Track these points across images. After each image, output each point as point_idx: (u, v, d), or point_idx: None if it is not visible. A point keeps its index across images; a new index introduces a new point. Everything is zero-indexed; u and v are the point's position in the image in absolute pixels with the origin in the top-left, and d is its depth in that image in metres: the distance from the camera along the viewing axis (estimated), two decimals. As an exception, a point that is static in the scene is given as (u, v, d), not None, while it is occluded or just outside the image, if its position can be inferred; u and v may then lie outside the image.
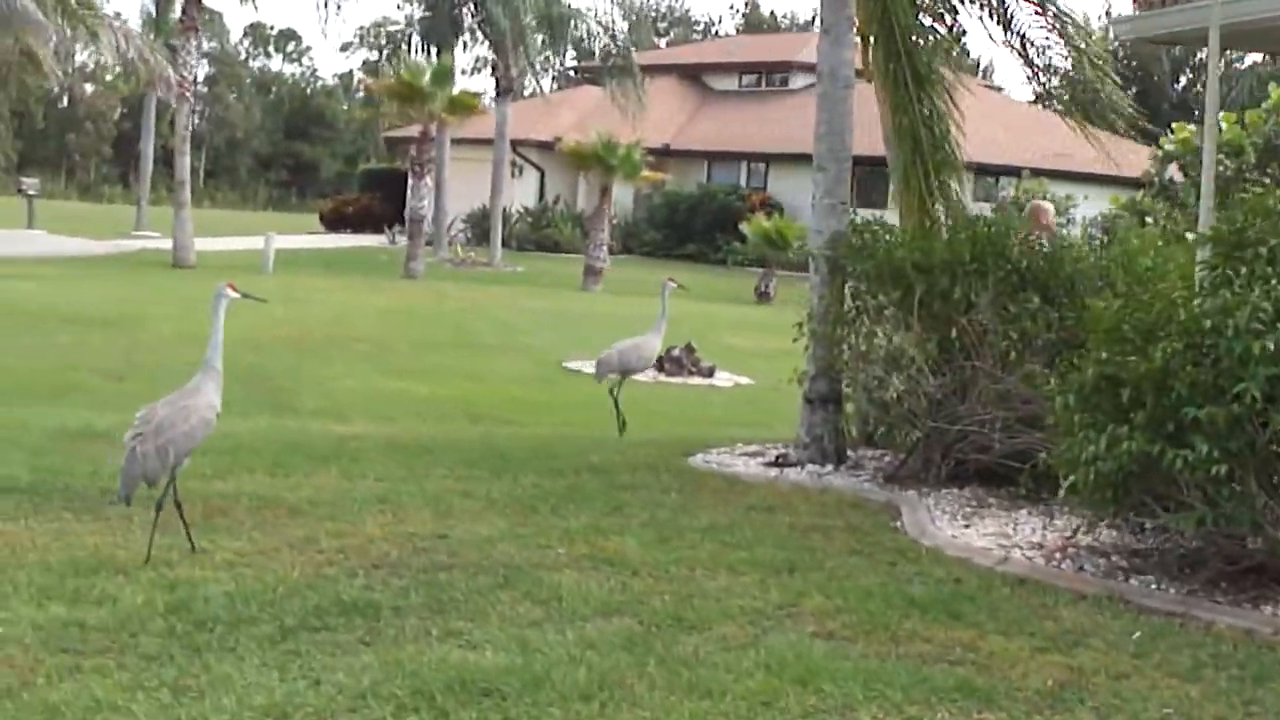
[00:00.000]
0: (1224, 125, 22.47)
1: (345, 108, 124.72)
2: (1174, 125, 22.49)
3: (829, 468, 13.75)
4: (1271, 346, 9.16)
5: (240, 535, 10.29)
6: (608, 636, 8.14)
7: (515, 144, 53.82)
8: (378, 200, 66.39)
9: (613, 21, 55.08)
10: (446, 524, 10.85)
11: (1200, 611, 9.27)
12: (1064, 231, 50.73)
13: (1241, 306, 9.34)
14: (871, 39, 14.80)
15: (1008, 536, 11.25)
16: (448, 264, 49.78)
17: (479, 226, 58.46)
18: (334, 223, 66.23)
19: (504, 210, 53.71)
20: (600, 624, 8.42)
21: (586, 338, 30.60)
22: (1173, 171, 21.99)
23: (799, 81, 64.52)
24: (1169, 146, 22.08)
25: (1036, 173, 51.02)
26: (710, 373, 26.67)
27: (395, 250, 54.02)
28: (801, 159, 56.85)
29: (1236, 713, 7.45)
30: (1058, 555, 10.63)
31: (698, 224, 57.18)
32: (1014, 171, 51.59)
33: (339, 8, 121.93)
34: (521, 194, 59.06)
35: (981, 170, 52.31)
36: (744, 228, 47.31)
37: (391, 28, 77.55)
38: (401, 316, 31.86)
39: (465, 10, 54.02)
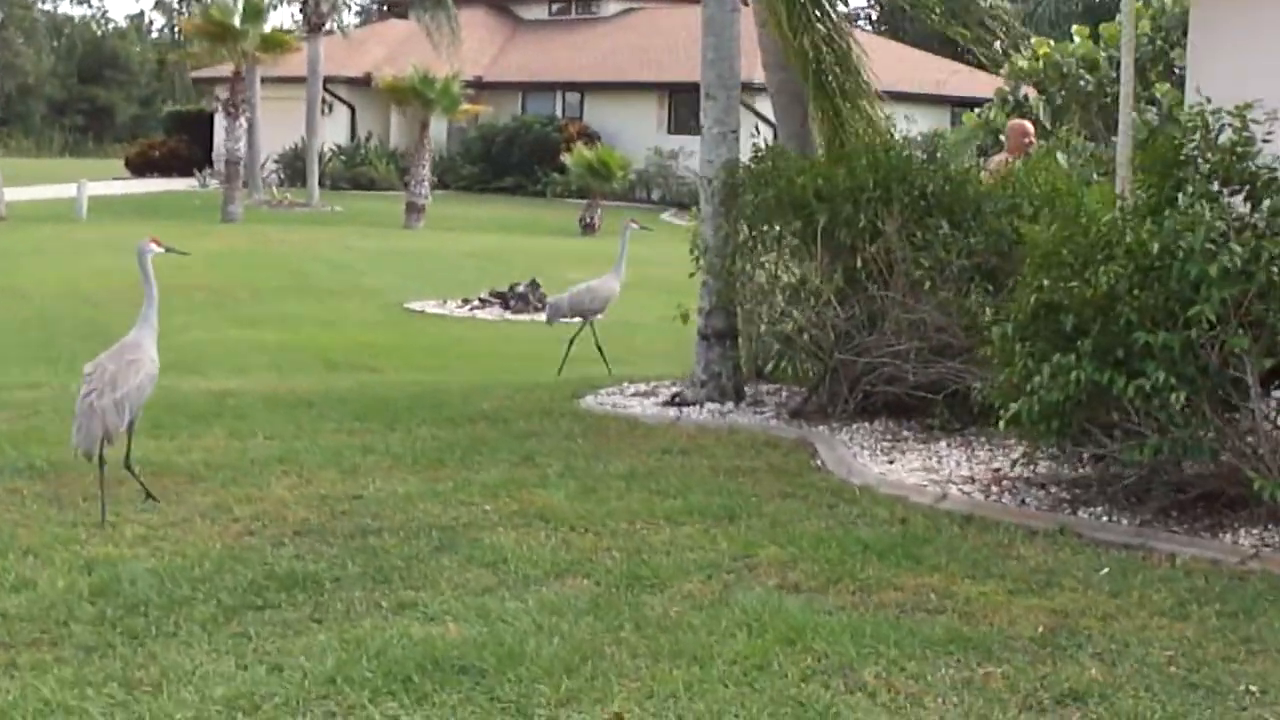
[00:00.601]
0: (1077, 39, 22.35)
1: (139, 49, 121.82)
2: (1034, 40, 22.28)
3: (729, 405, 13.33)
4: (1228, 266, 8.87)
5: (140, 504, 9.66)
6: (569, 600, 7.68)
7: (325, 81, 52.61)
8: (184, 143, 64.79)
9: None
10: (357, 483, 10.29)
11: (1158, 543, 9.01)
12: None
13: (1195, 227, 9.04)
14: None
15: (934, 471, 10.92)
16: (264, 206, 48.59)
17: (291, 167, 57.25)
18: (140, 167, 64.48)
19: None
20: (556, 587, 7.95)
21: (424, 277, 30.06)
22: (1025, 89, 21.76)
23: (610, 8, 64.05)
24: (1023, 63, 21.86)
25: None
26: (542, 305, 26.05)
27: (208, 193, 52.74)
28: (617, 87, 57.08)
29: (1238, 650, 7.17)
30: (994, 488, 10.32)
31: (514, 156, 56.44)
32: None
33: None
34: (333, 132, 57.88)
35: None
36: (565, 159, 46.63)
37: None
38: (233, 261, 30.88)
39: (272, -56, 52.69)
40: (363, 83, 57.85)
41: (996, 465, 11.03)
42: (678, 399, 13.54)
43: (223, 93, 50.88)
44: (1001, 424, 9.94)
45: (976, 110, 23.22)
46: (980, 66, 22.54)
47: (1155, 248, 9.18)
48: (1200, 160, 9.71)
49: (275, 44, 44.34)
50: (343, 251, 35.01)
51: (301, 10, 53.99)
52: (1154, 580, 8.24)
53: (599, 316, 17.62)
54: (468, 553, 8.51)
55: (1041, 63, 21.38)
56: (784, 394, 13.83)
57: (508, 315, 25.37)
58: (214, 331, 21.69)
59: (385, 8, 76.60)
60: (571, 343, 16.56)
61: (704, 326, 13.58)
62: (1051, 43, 21.93)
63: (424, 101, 44.85)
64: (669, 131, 55.23)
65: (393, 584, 7.94)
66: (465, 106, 46.56)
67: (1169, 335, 9.03)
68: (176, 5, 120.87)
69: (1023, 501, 10.00)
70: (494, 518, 9.36)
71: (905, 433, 12.15)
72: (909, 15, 18.50)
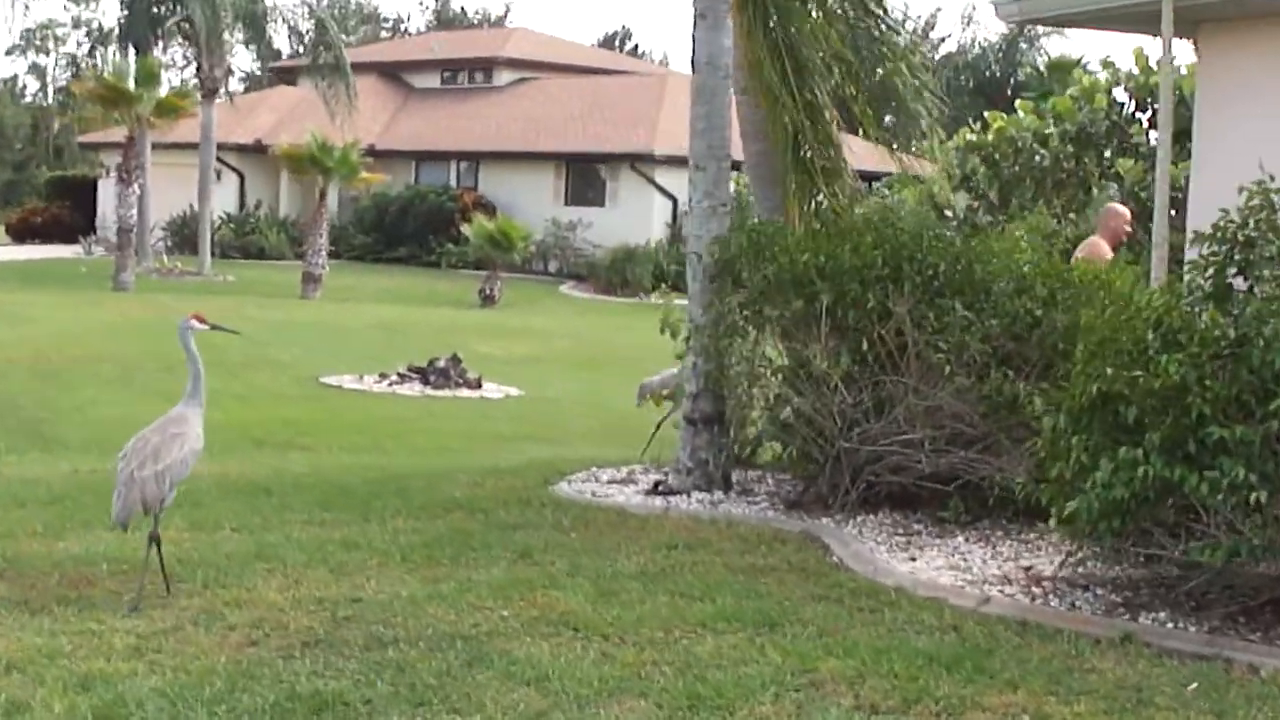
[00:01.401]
0: (1021, 113, 21.90)
1: (12, 112, 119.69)
2: (987, 115, 21.80)
3: (718, 495, 12.59)
4: (1312, 357, 8.27)
5: (120, 608, 8.78)
6: (636, 727, 6.91)
7: (216, 147, 51.51)
8: (67, 209, 63.32)
9: (320, 18, 52.87)
10: (351, 584, 9.45)
11: (1234, 653, 8.35)
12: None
13: (1277, 314, 8.42)
14: (745, 23, 13.50)
15: (962, 569, 10.24)
16: (154, 274, 47.31)
17: (179, 235, 56.00)
18: (21, 233, 62.89)
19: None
20: (614, 709, 7.17)
21: (332, 349, 29.22)
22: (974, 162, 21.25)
23: (503, 78, 63.35)
24: (971, 137, 21.39)
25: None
26: (478, 384, 25.30)
27: (94, 261, 51.43)
28: (512, 156, 56.35)
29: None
30: (1034, 589, 9.64)
31: (409, 226, 55.44)
32: (735, 165, 50.80)
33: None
34: (221, 200, 56.66)
35: (736, 165, 51.63)
36: (465, 229, 45.82)
37: (60, 29, 74.36)
38: (132, 332, 29.78)
39: (164, 8, 51.51)
40: (252, 149, 56.81)
41: (1026, 563, 10.37)
42: (662, 488, 12.78)
43: (111, 158, 49.66)
44: (1053, 522, 9.31)
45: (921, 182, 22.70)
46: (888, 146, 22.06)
47: (1232, 334, 8.57)
48: (1264, 240, 9.11)
49: (171, 108, 43.09)
50: (243, 323, 33.54)
51: (196, 75, 52.94)
52: (1252, 698, 7.58)
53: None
54: (503, 668, 7.70)
55: (992, 135, 20.89)
56: (771, 480, 13.13)
57: (429, 391, 24.55)
58: (128, 407, 20.68)
59: (274, 75, 75.48)
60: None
61: (691, 411, 12.83)
62: (1004, 116, 21.45)
63: (322, 170, 43.86)
64: (565, 203, 54.57)
65: (432, 707, 7.13)
66: (364, 175, 45.61)
67: (1246, 430, 8.40)
68: (52, 69, 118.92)
69: (1073, 605, 9.32)
70: (515, 625, 8.56)
71: (916, 526, 11.46)
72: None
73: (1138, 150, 19.65)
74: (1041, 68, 55.22)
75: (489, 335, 33.54)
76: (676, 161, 51.24)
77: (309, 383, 24.77)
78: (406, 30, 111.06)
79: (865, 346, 11.55)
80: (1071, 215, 19.27)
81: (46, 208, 64.99)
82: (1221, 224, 9.30)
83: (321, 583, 9.45)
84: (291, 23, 53.63)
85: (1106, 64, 21.17)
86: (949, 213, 20.74)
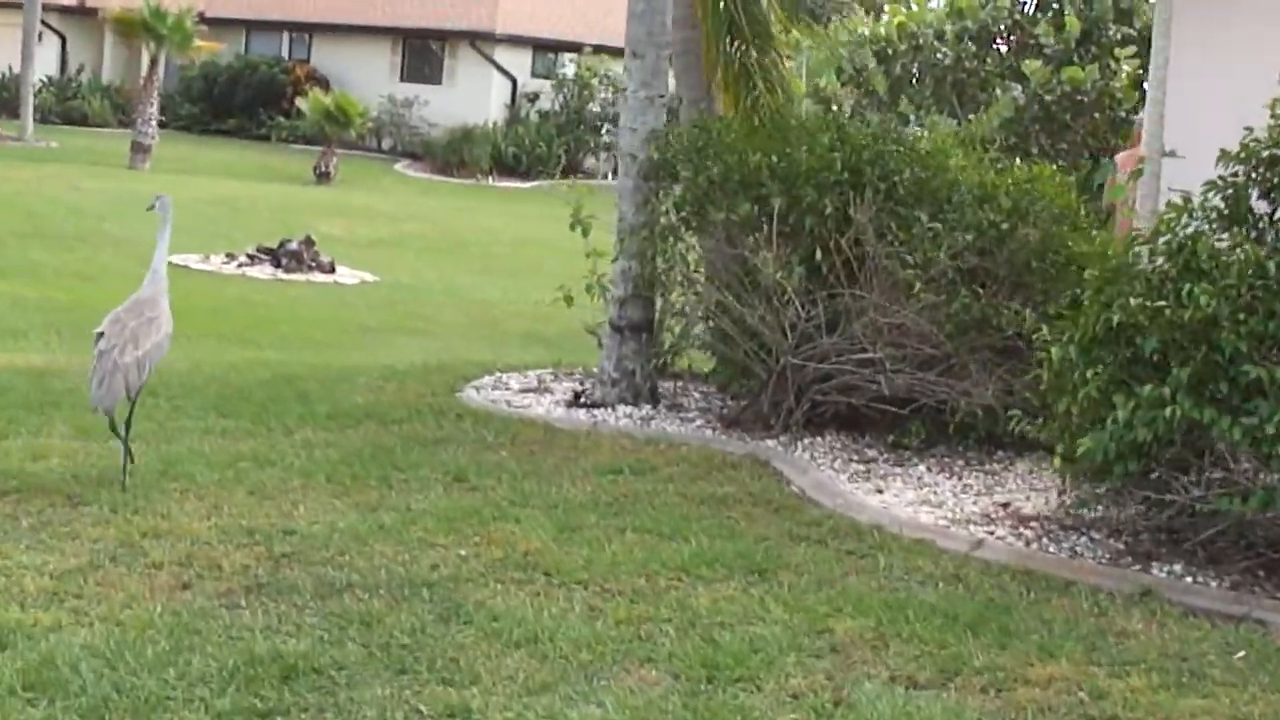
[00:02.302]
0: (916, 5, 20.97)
1: None
2: (888, 6, 20.86)
3: (646, 408, 11.66)
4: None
5: (21, 537, 7.71)
6: (655, 704, 6.01)
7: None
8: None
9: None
10: (279, 511, 8.43)
11: (1265, 613, 7.68)
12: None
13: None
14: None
15: (934, 504, 9.45)
16: (-29, 138, 45.19)
17: (-2, 98, 53.59)
18: None
19: (27, 80, 49.11)
20: (628, 681, 6.26)
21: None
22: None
23: (340, -55, 61.25)
24: (864, 30, 20.43)
25: (599, 49, 49.32)
26: (331, 268, 24.07)
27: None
28: (347, 29, 54.48)
29: None
30: (1024, 530, 8.87)
31: (238, 97, 53.37)
32: (574, 47, 49.82)
33: None
34: (42, 63, 54.27)
35: (539, 46, 50.63)
36: (301, 103, 44.25)
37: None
38: (-50, 196, 28.23)
39: None
40: (76, 11, 54.49)
41: (1000, 498, 9.60)
42: (583, 399, 11.83)
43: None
44: (1057, 461, 8.52)
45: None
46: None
47: (1272, 269, 7.80)
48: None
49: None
50: (73, 193, 32.40)
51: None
52: (1311, 669, 6.87)
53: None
54: (484, 624, 6.76)
55: (884, 29, 19.91)
56: (697, 394, 12.25)
57: (281, 274, 23.35)
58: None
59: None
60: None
61: (618, 317, 11.84)
62: (904, 8, 20.50)
63: (155, 36, 41.86)
64: (402, 79, 52.88)
65: (418, 675, 6.17)
66: (198, 44, 43.74)
67: (1288, 370, 7.66)
68: None
69: (1074, 551, 8.56)
70: (478, 568, 7.61)
71: (869, 452, 10.64)
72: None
73: (1041, 50, 18.81)
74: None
75: (331, 214, 32.27)
76: (517, 41, 50.18)
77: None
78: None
79: (819, 256, 10.66)
80: (970, 117, 18.41)
81: None
82: (1248, 142, 8.51)
83: (244, 509, 8.41)
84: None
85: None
86: (834, 107, 19.75)
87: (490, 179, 46.61)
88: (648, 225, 11.58)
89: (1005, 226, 10.57)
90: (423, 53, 53.66)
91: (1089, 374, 8.21)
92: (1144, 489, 8.38)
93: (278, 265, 23.74)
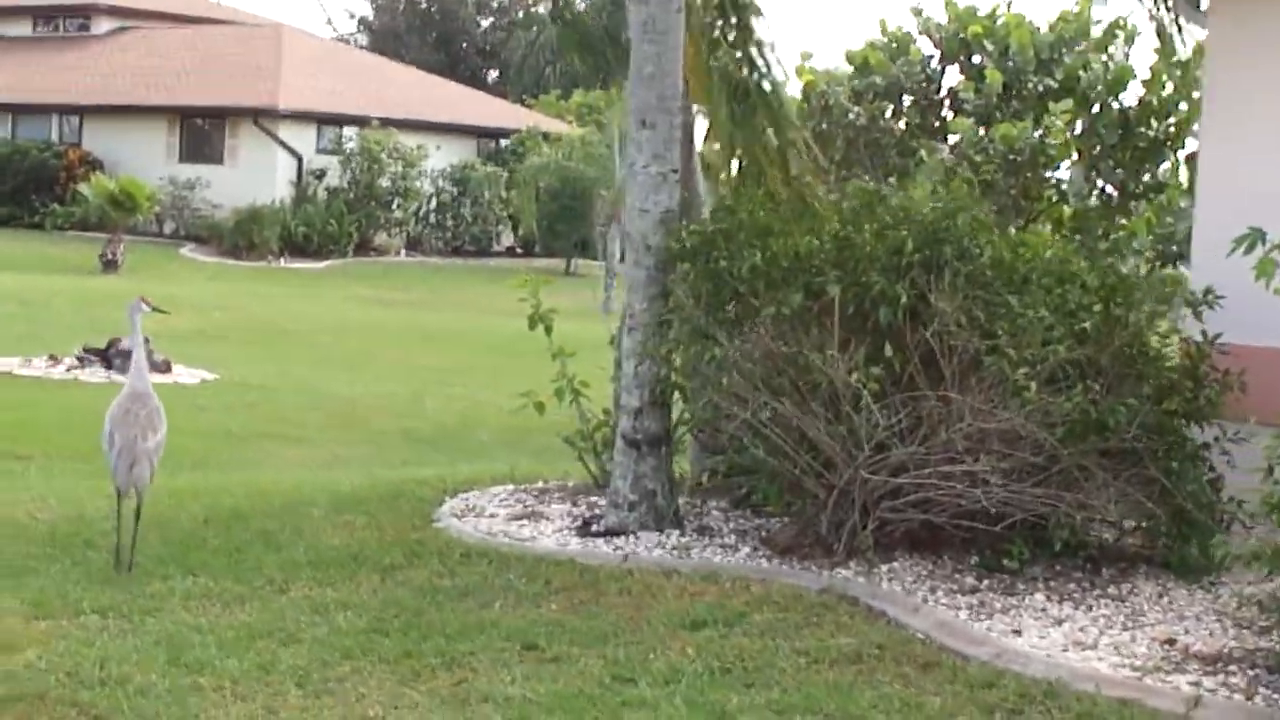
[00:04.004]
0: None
1: None
2: (799, 70, 19.49)
3: (673, 535, 10.01)
4: None
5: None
6: None
7: None
8: None
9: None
10: (354, 714, 6.68)
11: None
12: (416, 185, 47.75)
13: None
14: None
15: (1084, 643, 7.97)
16: None
17: None
18: None
19: None
20: None
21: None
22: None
23: (102, 26, 58.71)
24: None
25: (386, 122, 47.82)
26: (167, 367, 22.05)
27: None
28: (119, 110, 51.97)
29: None
30: (1228, 678, 7.44)
31: (8, 184, 50.53)
32: (361, 121, 48.16)
33: None
34: None
35: (324, 121, 48.91)
36: (84, 188, 42.05)
37: None
38: None
39: None
40: None
41: (1157, 634, 8.14)
42: (596, 526, 10.16)
43: None
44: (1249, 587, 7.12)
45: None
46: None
47: None
48: None
49: None
50: None
51: None
52: None
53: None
54: None
55: (803, 94, 18.60)
56: (717, 512, 10.64)
57: (115, 376, 21.21)
58: None
59: None
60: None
61: (631, 430, 10.15)
62: (813, 68, 19.16)
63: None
64: (180, 160, 50.58)
65: None
66: (-32, 128, 41.24)
67: None
68: None
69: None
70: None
71: (964, 578, 9.10)
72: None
73: (960, 106, 17.64)
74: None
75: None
76: (302, 117, 48.33)
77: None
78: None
79: (890, 353, 9.15)
80: (891, 180, 17.14)
81: None
82: None
83: (307, 712, 6.65)
84: None
85: (916, 11, 19.09)
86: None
87: (282, 260, 44.85)
88: (668, 323, 9.96)
89: (1098, 309, 9.18)
90: (201, 132, 51.52)
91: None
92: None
93: (110, 366, 21.74)
